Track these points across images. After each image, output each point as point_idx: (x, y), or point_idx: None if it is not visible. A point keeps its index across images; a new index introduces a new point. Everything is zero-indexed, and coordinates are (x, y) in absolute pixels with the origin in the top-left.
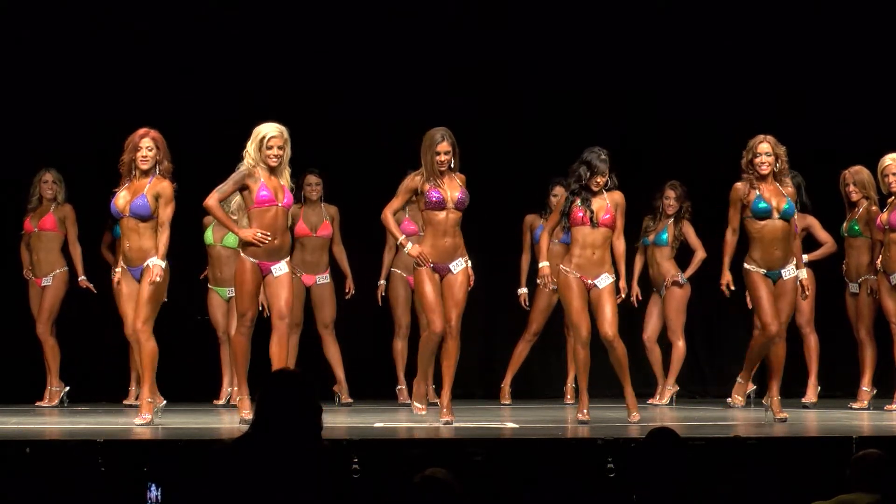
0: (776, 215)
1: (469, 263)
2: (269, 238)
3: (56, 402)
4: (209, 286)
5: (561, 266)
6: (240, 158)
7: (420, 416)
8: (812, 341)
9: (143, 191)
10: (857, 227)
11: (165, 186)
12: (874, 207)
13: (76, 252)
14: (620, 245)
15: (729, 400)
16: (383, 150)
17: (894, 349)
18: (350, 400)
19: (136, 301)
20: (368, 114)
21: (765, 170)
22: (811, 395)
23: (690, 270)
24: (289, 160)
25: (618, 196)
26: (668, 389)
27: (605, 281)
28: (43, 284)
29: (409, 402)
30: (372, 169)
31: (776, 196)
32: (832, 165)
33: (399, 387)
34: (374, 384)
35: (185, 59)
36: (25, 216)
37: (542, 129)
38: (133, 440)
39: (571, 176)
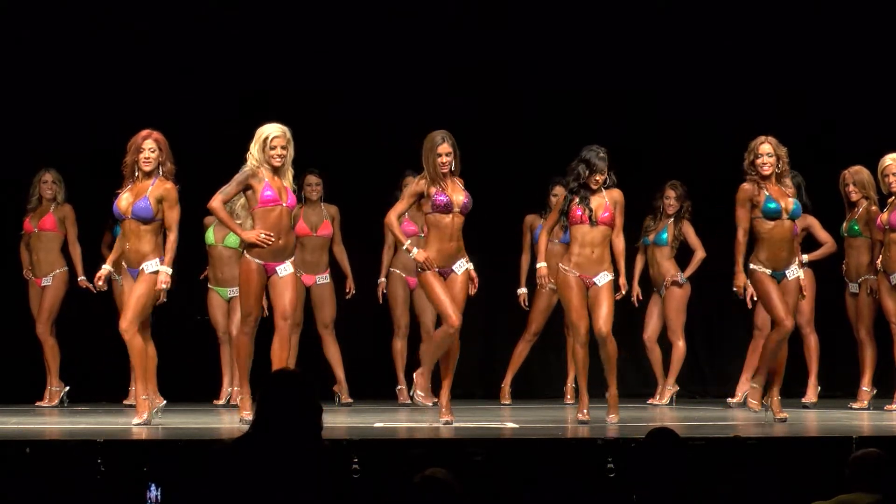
0: (785, 216)
1: (471, 265)
2: (273, 238)
3: (56, 402)
4: (209, 286)
5: (560, 265)
6: (240, 159)
7: (425, 405)
8: (812, 341)
9: (146, 193)
10: (856, 227)
11: (170, 189)
12: (874, 207)
13: (76, 252)
14: (620, 243)
15: (730, 401)
16: (383, 150)
17: (894, 349)
18: (350, 400)
19: (127, 300)
20: (368, 114)
21: (767, 171)
22: (811, 395)
23: (690, 270)
24: (292, 160)
25: (617, 194)
26: (668, 389)
27: (603, 279)
28: (43, 284)
29: (409, 402)
30: (372, 169)
31: (782, 197)
32: (832, 165)
33: (399, 387)
34: (374, 384)
35: (185, 59)
36: (25, 216)
37: (542, 129)
38: (133, 440)
39: (570, 174)
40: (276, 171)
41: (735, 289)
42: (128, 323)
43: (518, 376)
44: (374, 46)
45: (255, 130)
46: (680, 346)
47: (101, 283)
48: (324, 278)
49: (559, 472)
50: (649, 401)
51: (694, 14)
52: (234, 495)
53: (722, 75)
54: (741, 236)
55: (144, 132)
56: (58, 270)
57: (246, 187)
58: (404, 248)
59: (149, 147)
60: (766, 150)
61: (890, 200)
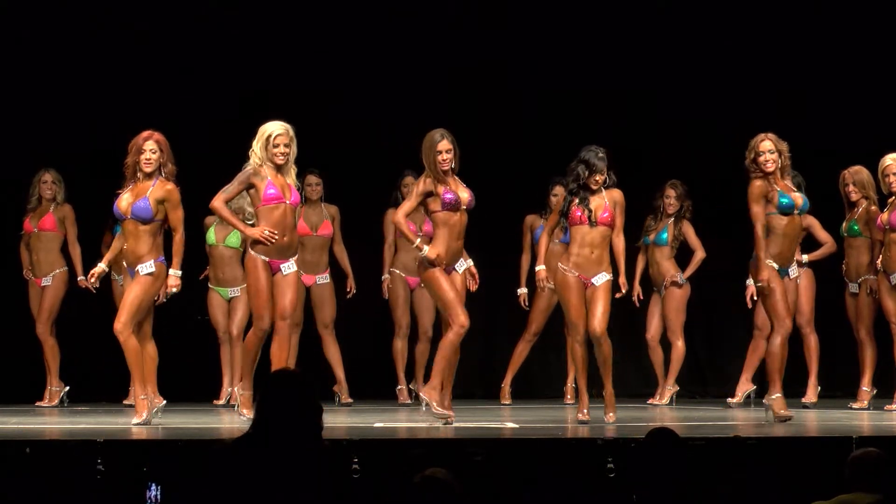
0: (796, 211)
1: (471, 262)
2: (278, 236)
3: (56, 402)
4: (210, 286)
5: (559, 264)
6: (240, 158)
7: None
8: (812, 341)
9: (146, 193)
10: (856, 227)
11: (171, 190)
12: (874, 207)
13: (75, 252)
14: (620, 243)
15: (730, 401)
16: (383, 150)
17: (894, 349)
18: (350, 400)
19: (123, 301)
20: (368, 114)
21: (770, 167)
22: (811, 395)
23: (690, 270)
24: (294, 158)
25: (617, 194)
26: (668, 389)
27: (601, 279)
28: (43, 284)
29: (409, 402)
30: (372, 169)
31: (790, 192)
32: (832, 165)
33: (399, 387)
34: (374, 384)
35: (185, 59)
36: (25, 216)
37: (542, 129)
38: (133, 440)
39: (570, 175)
40: (279, 168)
41: (761, 283)
42: (122, 324)
43: (518, 376)
44: (374, 46)
45: (255, 130)
46: (679, 346)
47: (93, 279)
48: (324, 278)
49: (559, 472)
50: (649, 401)
51: (694, 14)
52: (234, 495)
53: (722, 75)
54: (760, 231)
55: (146, 133)
56: (58, 270)
57: (249, 186)
58: (415, 245)
59: (150, 148)
60: (768, 147)
61: (890, 200)
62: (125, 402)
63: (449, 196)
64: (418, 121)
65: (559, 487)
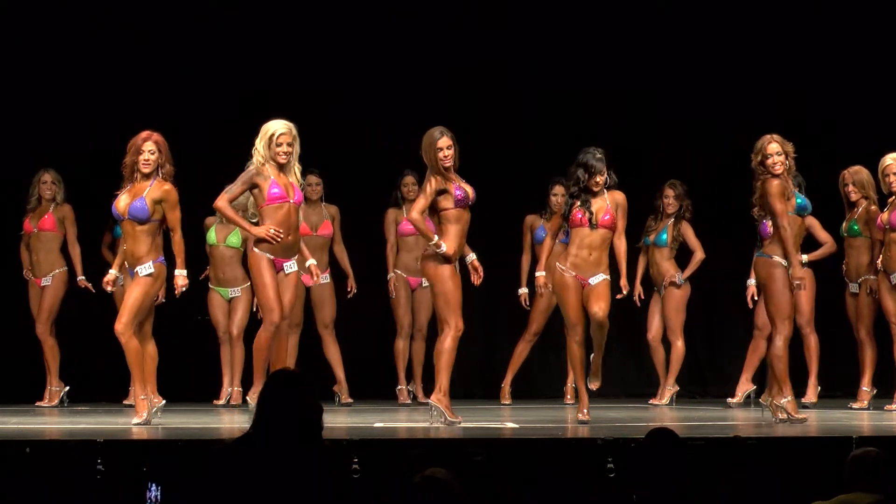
0: (805, 212)
1: (474, 255)
2: (282, 235)
3: (56, 402)
4: (210, 286)
5: (557, 264)
6: (240, 158)
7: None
8: (812, 341)
9: (143, 194)
10: (856, 227)
11: (169, 191)
12: (873, 207)
13: (75, 252)
14: (622, 245)
15: (730, 401)
16: (383, 150)
17: (894, 349)
18: (350, 400)
19: (123, 302)
20: (368, 114)
21: (778, 169)
22: (811, 395)
23: (689, 271)
24: (297, 157)
25: (619, 196)
26: (668, 389)
27: (598, 279)
28: (42, 284)
29: (409, 402)
30: (372, 169)
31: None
32: (832, 165)
33: (399, 387)
34: (374, 384)
35: (185, 59)
36: (25, 216)
37: (542, 129)
38: (133, 440)
39: (570, 179)
40: (282, 167)
41: (798, 281)
42: (123, 325)
43: (518, 376)
44: (374, 46)
45: (255, 130)
46: (679, 346)
47: (110, 287)
48: (324, 278)
49: (559, 472)
50: (651, 401)
51: (694, 14)
52: (235, 495)
53: (722, 75)
54: (788, 226)
55: (144, 133)
56: (57, 270)
57: (252, 186)
58: (432, 243)
59: (148, 149)
60: (775, 149)
61: (890, 200)
62: (125, 402)
63: (460, 192)
64: (418, 121)
65: (559, 487)
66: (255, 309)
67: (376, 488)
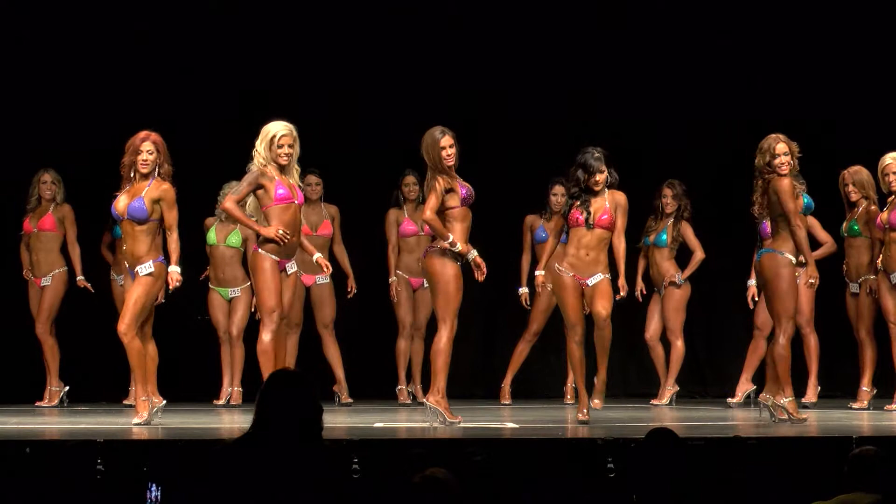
0: (809, 212)
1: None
2: (289, 236)
3: (56, 402)
4: (210, 286)
5: (555, 265)
6: (240, 158)
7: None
8: (812, 341)
9: (141, 194)
10: (856, 227)
11: (167, 190)
12: (874, 207)
13: (75, 252)
14: (621, 245)
15: (730, 401)
16: (383, 150)
17: (893, 349)
18: (350, 400)
19: (125, 303)
20: (368, 114)
21: (785, 170)
22: (811, 395)
23: (689, 271)
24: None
25: (620, 196)
26: (668, 389)
27: (596, 279)
28: (42, 284)
29: (409, 402)
30: (372, 169)
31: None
32: (832, 165)
33: (399, 387)
34: (374, 384)
35: (185, 59)
36: (25, 216)
37: (542, 129)
38: (133, 440)
39: (570, 180)
40: (283, 169)
41: (813, 280)
42: (126, 326)
43: (518, 376)
44: (374, 46)
45: (255, 130)
46: (678, 345)
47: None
48: (323, 278)
49: (559, 472)
50: (652, 401)
51: (694, 14)
52: (235, 495)
53: (722, 75)
54: (801, 226)
55: (143, 134)
56: (57, 270)
57: (257, 187)
58: (448, 241)
59: (147, 149)
60: (783, 150)
61: (890, 199)
62: (125, 402)
63: (465, 191)
64: (418, 121)
65: (559, 487)
66: (253, 310)
67: (376, 488)
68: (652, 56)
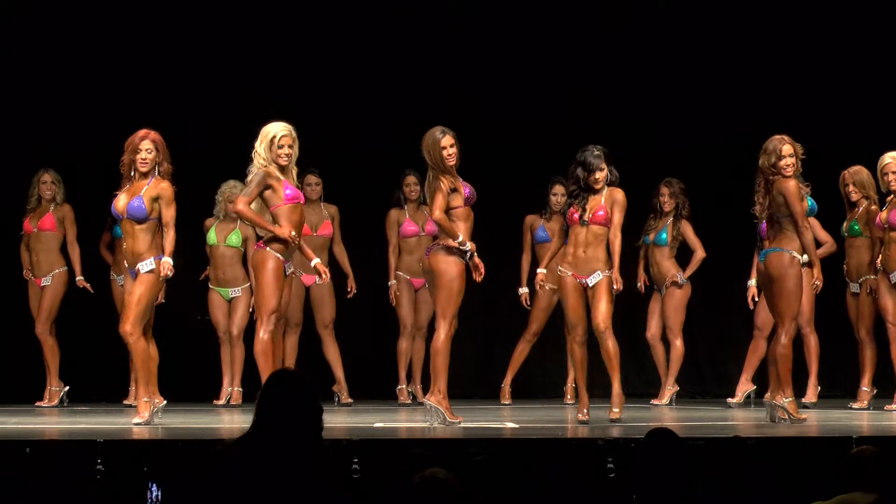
0: (812, 214)
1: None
2: (297, 238)
3: (56, 402)
4: (210, 286)
5: (558, 266)
6: (240, 158)
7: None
8: (812, 341)
9: (141, 193)
10: (857, 227)
11: (165, 188)
12: (874, 207)
13: (75, 252)
14: (615, 240)
15: (730, 401)
16: (383, 150)
17: (891, 350)
18: (350, 400)
19: (127, 302)
20: (368, 114)
21: (790, 171)
22: (811, 395)
23: (690, 270)
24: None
25: (617, 193)
26: (668, 389)
27: (595, 278)
28: (42, 284)
29: (409, 402)
30: (372, 169)
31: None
32: (832, 165)
33: (399, 387)
34: (374, 384)
35: (185, 59)
36: (25, 216)
37: (542, 129)
38: (133, 440)
39: (570, 178)
40: (282, 169)
41: (818, 283)
42: (131, 325)
43: (518, 376)
44: (374, 46)
45: (255, 130)
46: (678, 345)
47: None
48: None
49: (559, 472)
50: (652, 401)
51: (694, 14)
52: (234, 495)
53: (722, 75)
54: (808, 227)
55: (142, 132)
56: (57, 270)
57: (266, 187)
58: (458, 241)
59: (146, 148)
60: (789, 151)
61: (889, 199)
62: (125, 402)
63: (468, 191)
64: (418, 121)
65: (559, 487)
66: (251, 309)
67: (376, 488)
68: (652, 56)
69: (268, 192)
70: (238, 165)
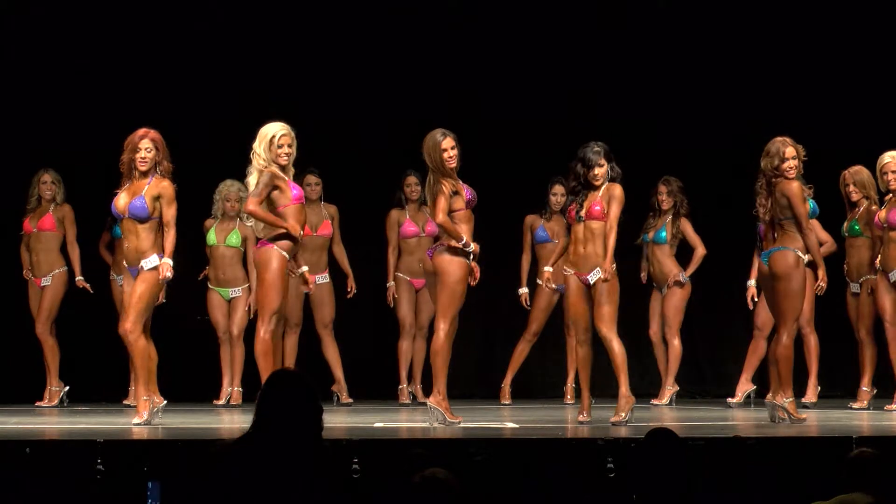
0: (814, 216)
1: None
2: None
3: (56, 402)
4: (210, 286)
5: (563, 267)
6: (240, 158)
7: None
8: (812, 341)
9: (142, 192)
10: (857, 227)
11: (166, 187)
12: (874, 207)
13: (74, 252)
14: (612, 233)
15: (730, 401)
16: (383, 150)
17: (890, 350)
18: (350, 400)
19: (128, 301)
20: (368, 114)
21: (793, 173)
22: (811, 395)
23: (691, 268)
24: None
25: (614, 188)
26: (668, 389)
27: (596, 275)
28: (42, 284)
29: (409, 402)
30: (372, 169)
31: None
32: (832, 165)
33: (400, 386)
34: (374, 384)
35: (185, 59)
36: (25, 216)
37: (542, 129)
38: (133, 440)
39: (570, 175)
40: (282, 169)
41: (823, 285)
42: (132, 324)
43: (518, 376)
44: (374, 46)
45: (255, 130)
46: (675, 344)
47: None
48: (323, 278)
49: (559, 472)
50: (652, 401)
51: (694, 15)
52: (234, 495)
53: (722, 76)
54: (812, 229)
55: (141, 131)
56: (57, 270)
57: (273, 187)
58: (462, 242)
59: (145, 147)
60: (792, 154)
61: (888, 198)
62: (125, 402)
63: (469, 193)
64: (418, 121)
65: (559, 487)
66: (248, 308)
67: (376, 488)
68: (652, 56)
69: (275, 193)
70: (238, 165)
